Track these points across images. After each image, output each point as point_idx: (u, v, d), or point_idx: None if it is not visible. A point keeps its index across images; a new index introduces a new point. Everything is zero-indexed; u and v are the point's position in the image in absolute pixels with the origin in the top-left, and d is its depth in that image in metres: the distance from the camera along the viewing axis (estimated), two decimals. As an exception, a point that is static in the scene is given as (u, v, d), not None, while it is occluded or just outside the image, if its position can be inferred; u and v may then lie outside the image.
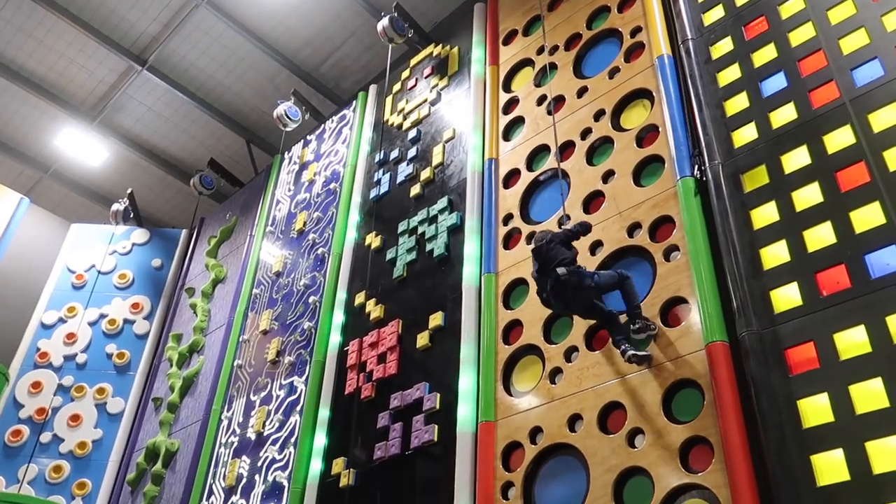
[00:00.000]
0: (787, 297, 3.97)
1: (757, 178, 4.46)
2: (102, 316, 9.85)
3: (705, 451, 3.86)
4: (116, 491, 8.39)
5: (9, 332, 9.87)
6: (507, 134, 6.38)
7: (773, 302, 4.00)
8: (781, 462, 3.53)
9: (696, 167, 4.76)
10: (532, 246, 4.56)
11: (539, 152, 6.04)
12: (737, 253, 4.25)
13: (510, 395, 4.96)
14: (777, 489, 3.48)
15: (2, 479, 8.57)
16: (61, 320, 9.79)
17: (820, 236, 4.01)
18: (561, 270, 4.25)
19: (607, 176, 5.34)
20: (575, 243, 4.56)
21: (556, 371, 4.79)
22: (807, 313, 3.84)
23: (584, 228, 4.60)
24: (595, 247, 5.04)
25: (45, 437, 8.89)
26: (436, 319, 5.76)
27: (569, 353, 4.79)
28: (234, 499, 6.67)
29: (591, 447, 4.32)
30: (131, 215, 10.75)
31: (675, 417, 4.08)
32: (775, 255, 4.14)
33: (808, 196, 4.18)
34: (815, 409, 3.60)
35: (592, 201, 5.34)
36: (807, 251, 4.01)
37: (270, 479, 6.39)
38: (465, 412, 5.06)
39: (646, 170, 5.17)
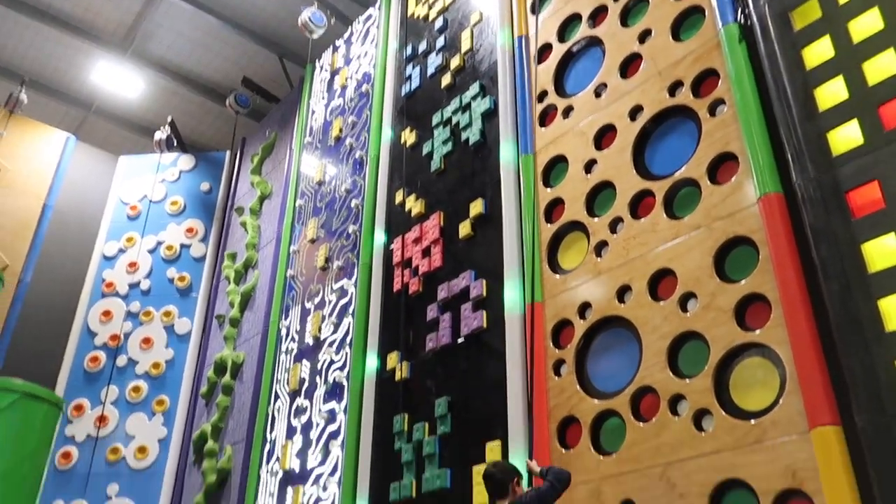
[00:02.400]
0: (846, 137, 3.65)
1: (808, 13, 4.06)
2: (159, 243, 10.07)
3: (762, 309, 3.67)
4: (192, 405, 8.75)
5: (76, 267, 10.18)
6: (536, 7, 6.00)
7: (830, 144, 3.69)
8: (846, 310, 3.32)
9: (740, 11, 4.36)
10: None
11: (570, 22, 5.67)
12: (788, 98, 3.91)
13: (556, 273, 4.81)
14: (842, 340, 3.28)
15: (87, 400, 9.03)
16: (121, 251, 10.06)
17: (881, 67, 3.64)
18: None
19: (644, 36, 4.97)
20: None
21: (602, 244, 4.61)
22: (869, 151, 3.53)
23: (563, 483, 3.53)
24: (635, 112, 4.75)
25: (121, 360, 9.28)
26: (476, 207, 5.61)
27: (614, 225, 4.59)
28: (298, 401, 6.84)
29: (642, 317, 4.17)
30: (174, 143, 10.81)
31: (729, 277, 3.87)
32: (832, 93, 3.79)
33: (866, 25, 3.78)
34: (882, 252, 3.35)
35: (629, 66, 5.00)
36: (867, 85, 3.66)
37: (330, 379, 6.50)
38: (513, 295, 4.95)
39: (685, 23, 4.78)
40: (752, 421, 3.47)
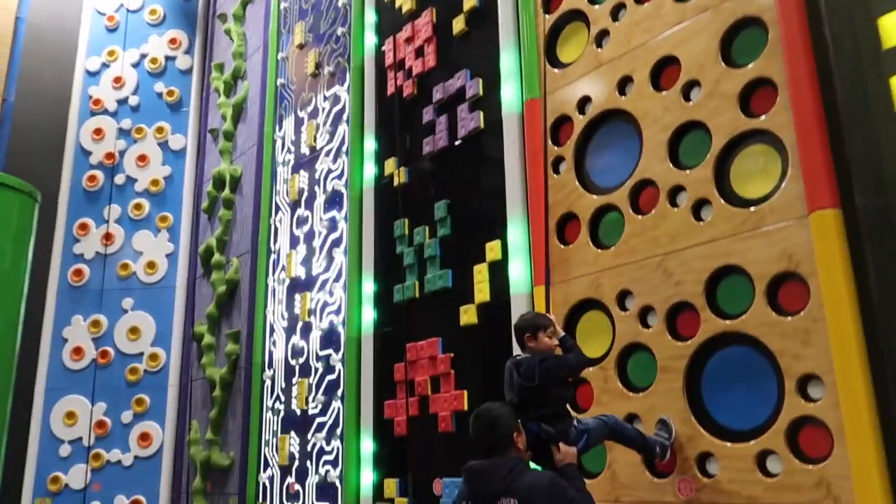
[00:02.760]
0: None
1: None
2: (143, 56, 9.65)
3: (768, 94, 3.52)
4: (195, 220, 8.85)
5: (60, 85, 9.83)
6: None
7: None
8: (855, 89, 3.18)
9: None
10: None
11: None
12: None
13: (555, 68, 4.61)
14: (848, 118, 3.17)
15: (90, 220, 9.12)
16: (105, 65, 9.67)
17: None
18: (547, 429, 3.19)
19: None
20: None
21: (603, 34, 4.36)
22: (896, -87, 3.21)
23: (582, 364, 3.42)
24: None
25: (119, 178, 9.25)
26: (470, 1, 5.27)
27: (616, 12, 4.31)
28: (299, 211, 6.87)
29: (643, 108, 4.03)
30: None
31: (735, 62, 3.69)
32: None
33: None
34: (898, 27, 3.15)
35: None
36: None
37: (329, 188, 6.48)
38: (510, 93, 4.78)
39: None
40: (752, 208, 3.45)
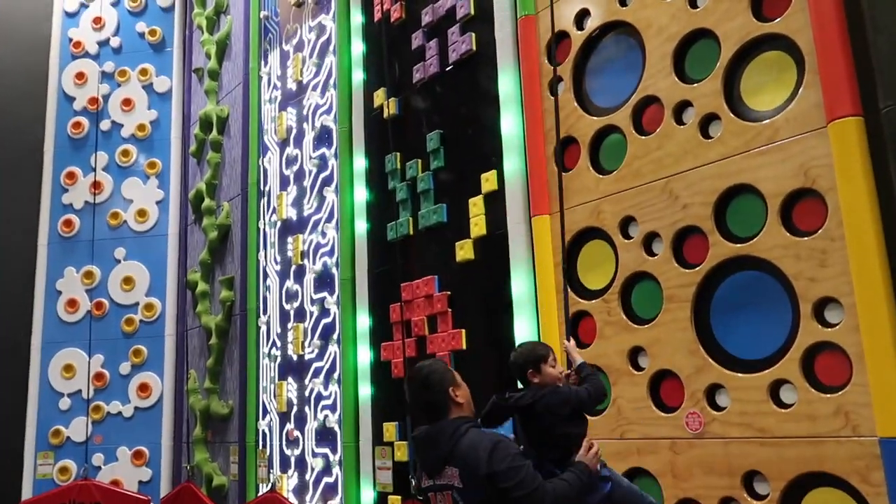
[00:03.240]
0: None
1: None
2: (121, -6, 9.27)
3: (783, -5, 3.21)
4: (184, 165, 8.58)
5: (38, 27, 9.44)
6: None
7: None
8: (879, -15, 2.87)
9: None
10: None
11: None
12: None
13: (550, -19, 4.27)
14: (871, 18, 2.88)
15: (77, 168, 8.87)
16: (83, 5, 9.26)
17: None
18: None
19: None
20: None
21: (602, -60, 4.02)
22: None
23: (597, 398, 2.92)
24: None
25: (105, 124, 8.94)
26: (459, -87, 4.90)
27: (615, -86, 3.96)
28: (288, 150, 6.60)
29: (646, 18, 3.72)
30: None
31: (746, -38, 3.36)
32: None
33: None
34: (930, -89, 2.82)
35: None
36: None
37: (318, 125, 6.19)
38: (503, 11, 4.45)
39: None
40: (764, 122, 3.18)
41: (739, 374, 3.16)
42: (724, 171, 3.29)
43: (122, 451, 8.17)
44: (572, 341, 3.26)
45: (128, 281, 8.59)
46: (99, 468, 8.11)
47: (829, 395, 2.86)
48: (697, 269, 3.36)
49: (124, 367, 8.38)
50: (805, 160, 3.01)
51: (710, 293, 3.34)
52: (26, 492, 8.10)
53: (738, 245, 3.22)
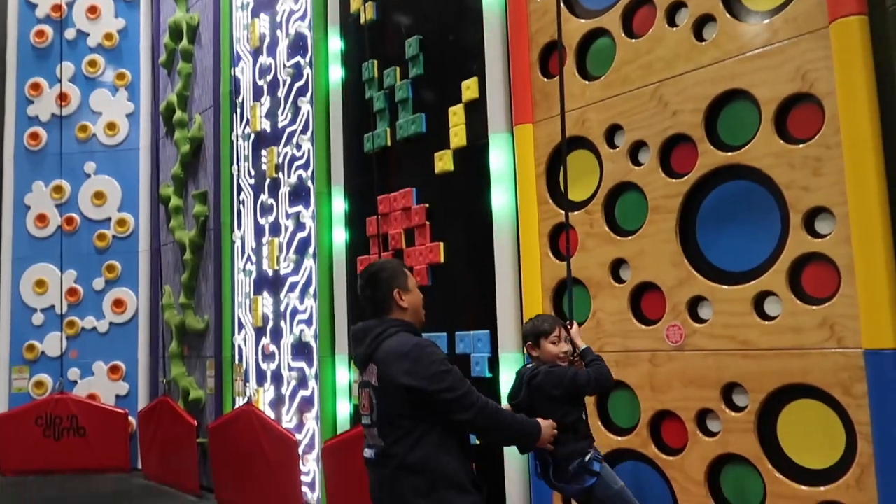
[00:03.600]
0: None
1: None
2: None
3: None
4: (155, 75, 8.24)
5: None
6: None
7: None
8: None
9: None
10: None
11: None
12: None
13: None
14: None
15: (42, 79, 8.51)
16: None
17: None
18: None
19: None
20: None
21: None
22: None
23: (598, 385, 2.86)
24: None
25: (70, 33, 8.56)
26: None
27: None
28: (261, 59, 6.33)
29: (641, -89, 3.47)
30: None
31: None
32: None
33: None
34: None
35: None
36: None
37: (292, 31, 5.91)
38: None
39: None
40: (763, 22, 3.00)
41: (724, 287, 3.08)
42: (717, 76, 3.13)
43: (99, 366, 8.13)
44: (576, 326, 3.10)
45: (99, 196, 8.37)
46: (75, 383, 8.08)
47: (814, 307, 2.79)
48: (685, 178, 3.24)
49: (98, 283, 8.24)
50: (803, 63, 2.85)
51: (696, 204, 3.23)
52: (1, 405, 8.07)
53: (729, 153, 3.09)
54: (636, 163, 3.46)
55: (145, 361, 8.07)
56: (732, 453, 3.01)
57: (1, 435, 7.70)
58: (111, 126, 8.42)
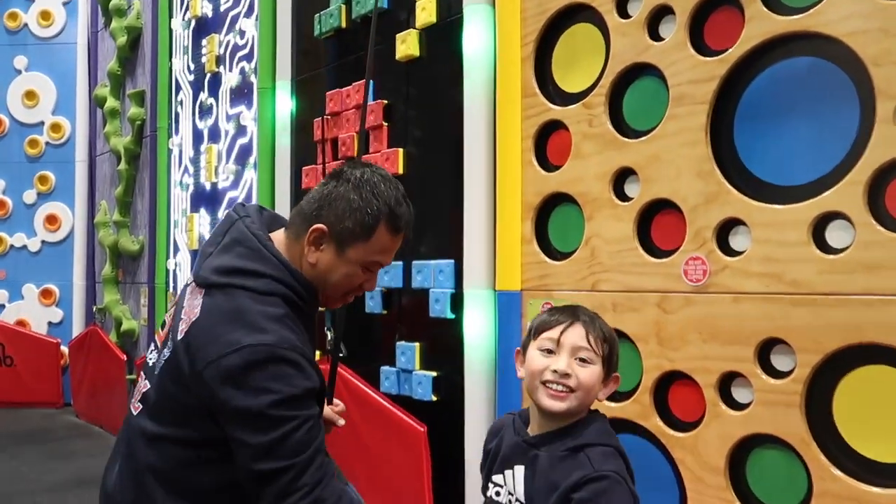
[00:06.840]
0: None
1: None
2: None
3: None
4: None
5: None
6: None
7: None
8: None
9: None
10: None
11: None
12: None
13: None
14: None
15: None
16: None
17: None
18: None
19: None
20: None
21: None
22: None
23: None
24: None
25: None
26: None
27: None
28: (201, -74, 5.28)
29: None
30: None
31: None
32: None
33: None
34: None
35: None
36: None
37: None
38: None
39: None
40: None
41: (769, 206, 2.21)
42: None
43: (29, 289, 7.28)
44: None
45: (30, 95, 7.38)
46: (3, 306, 7.25)
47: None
48: (723, 56, 2.33)
49: (29, 196, 7.33)
50: None
51: (737, 92, 2.33)
52: (-84, 328, 7.24)
53: (790, 18, 2.18)
54: (656, 37, 2.55)
55: (81, 285, 7.22)
56: (766, 434, 2.19)
57: (-82, 360, 6.91)
58: (45, 15, 7.36)
